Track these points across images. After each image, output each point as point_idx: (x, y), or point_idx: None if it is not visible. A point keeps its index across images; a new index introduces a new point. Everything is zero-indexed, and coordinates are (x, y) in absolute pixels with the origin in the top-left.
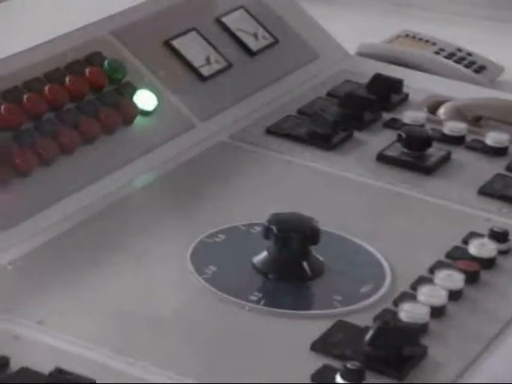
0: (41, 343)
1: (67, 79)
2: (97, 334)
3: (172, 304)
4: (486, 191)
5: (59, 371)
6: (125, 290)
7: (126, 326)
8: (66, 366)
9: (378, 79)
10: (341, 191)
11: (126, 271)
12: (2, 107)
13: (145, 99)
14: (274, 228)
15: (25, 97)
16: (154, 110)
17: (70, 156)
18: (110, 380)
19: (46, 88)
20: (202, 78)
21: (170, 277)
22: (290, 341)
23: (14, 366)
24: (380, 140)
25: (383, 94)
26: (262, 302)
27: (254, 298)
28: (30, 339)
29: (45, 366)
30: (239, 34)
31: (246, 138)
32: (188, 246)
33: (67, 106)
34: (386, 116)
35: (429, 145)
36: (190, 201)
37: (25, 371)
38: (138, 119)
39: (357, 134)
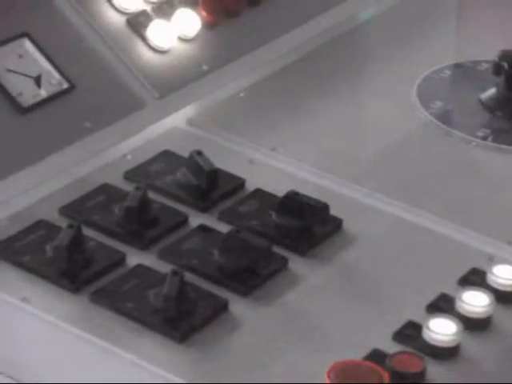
0: (274, 168)
1: None
2: (326, 162)
3: (398, 137)
4: None
5: (294, 193)
6: (352, 122)
7: (352, 155)
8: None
9: None
10: None
11: (352, 103)
12: None
13: None
14: (505, 64)
15: None
16: None
17: None
18: (342, 205)
19: None
20: None
21: (396, 111)
22: None
23: (249, 187)
24: None
25: None
26: (490, 138)
27: (481, 133)
28: (264, 164)
29: (278, 189)
30: None
31: None
32: (414, 81)
33: None
34: None
35: None
36: (416, 36)
37: (260, 192)
38: None
39: None
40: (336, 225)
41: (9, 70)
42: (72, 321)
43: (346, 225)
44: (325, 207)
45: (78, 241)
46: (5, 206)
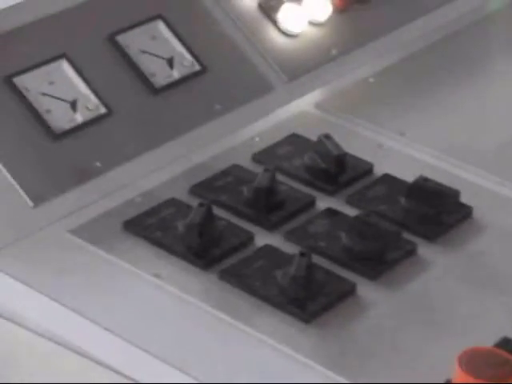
0: (403, 153)
1: None
2: (456, 149)
3: None
4: None
5: (424, 179)
6: (482, 109)
7: (482, 143)
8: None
9: None
10: None
11: (483, 91)
12: None
13: None
14: None
15: None
16: None
17: None
18: (472, 193)
19: None
20: None
21: None
22: None
23: (377, 172)
24: None
25: None
26: None
27: None
28: (393, 149)
29: (406, 175)
30: None
31: None
32: None
33: None
34: None
35: None
36: None
37: (388, 177)
38: None
39: None
40: (466, 212)
41: (143, 51)
42: (201, 297)
43: (476, 212)
44: (455, 194)
45: (208, 219)
46: (137, 184)
